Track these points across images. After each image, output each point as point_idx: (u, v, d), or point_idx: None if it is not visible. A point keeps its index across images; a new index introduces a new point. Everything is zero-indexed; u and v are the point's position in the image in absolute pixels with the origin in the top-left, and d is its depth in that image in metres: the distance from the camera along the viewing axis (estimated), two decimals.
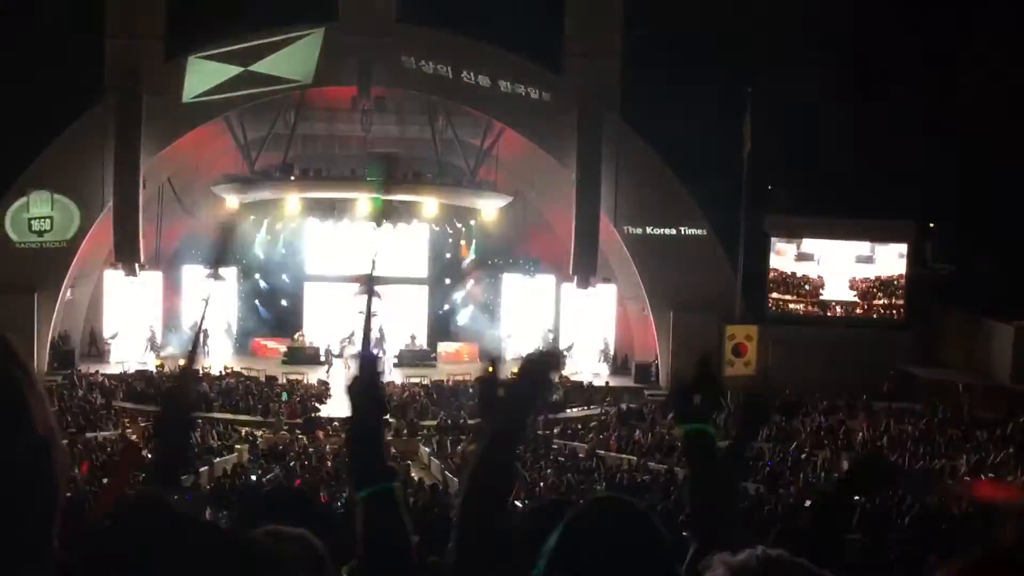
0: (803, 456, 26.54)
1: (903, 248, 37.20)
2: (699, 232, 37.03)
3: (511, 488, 2.99)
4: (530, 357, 2.92)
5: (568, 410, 33.73)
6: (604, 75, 36.64)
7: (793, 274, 37.48)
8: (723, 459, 3.25)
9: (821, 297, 37.27)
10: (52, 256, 35.90)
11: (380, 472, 2.89)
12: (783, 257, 37.43)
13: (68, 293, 36.57)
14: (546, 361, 2.92)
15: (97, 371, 35.34)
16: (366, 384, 3.00)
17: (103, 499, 5.06)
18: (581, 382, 36.45)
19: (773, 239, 37.30)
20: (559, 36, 37.42)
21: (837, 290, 37.31)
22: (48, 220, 35.98)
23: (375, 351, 3.19)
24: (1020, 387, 31.22)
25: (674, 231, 37.04)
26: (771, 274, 37.24)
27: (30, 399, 1.25)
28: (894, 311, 37.19)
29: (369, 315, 3.25)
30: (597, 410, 33.73)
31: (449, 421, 31.88)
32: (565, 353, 34.65)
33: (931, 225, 41.22)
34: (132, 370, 35.75)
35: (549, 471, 25.16)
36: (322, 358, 38.38)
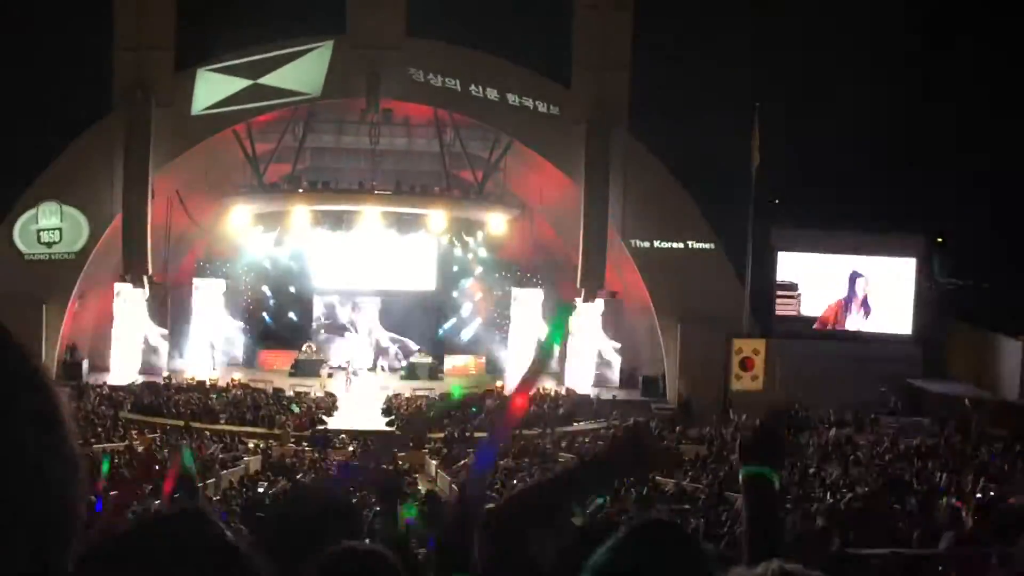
0: (811, 471, 26.40)
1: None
2: (707, 246, 37.01)
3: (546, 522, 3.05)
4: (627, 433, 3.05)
5: (575, 424, 33.71)
6: (613, 89, 36.68)
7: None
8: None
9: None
10: (61, 268, 35.96)
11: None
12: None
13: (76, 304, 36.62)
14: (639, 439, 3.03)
15: (104, 383, 35.37)
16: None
17: (111, 511, 5.05)
18: (588, 396, 36.43)
19: (779, 252, 37.26)
20: (568, 50, 37.44)
21: None
22: (57, 232, 36.06)
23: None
24: None
25: (682, 244, 37.02)
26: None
27: (64, 415, 1.24)
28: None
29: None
30: (604, 424, 33.68)
31: (456, 434, 31.85)
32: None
33: (939, 240, 41.12)
34: (139, 382, 35.85)
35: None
36: (328, 371, 38.40)
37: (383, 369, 40.56)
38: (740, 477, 3.23)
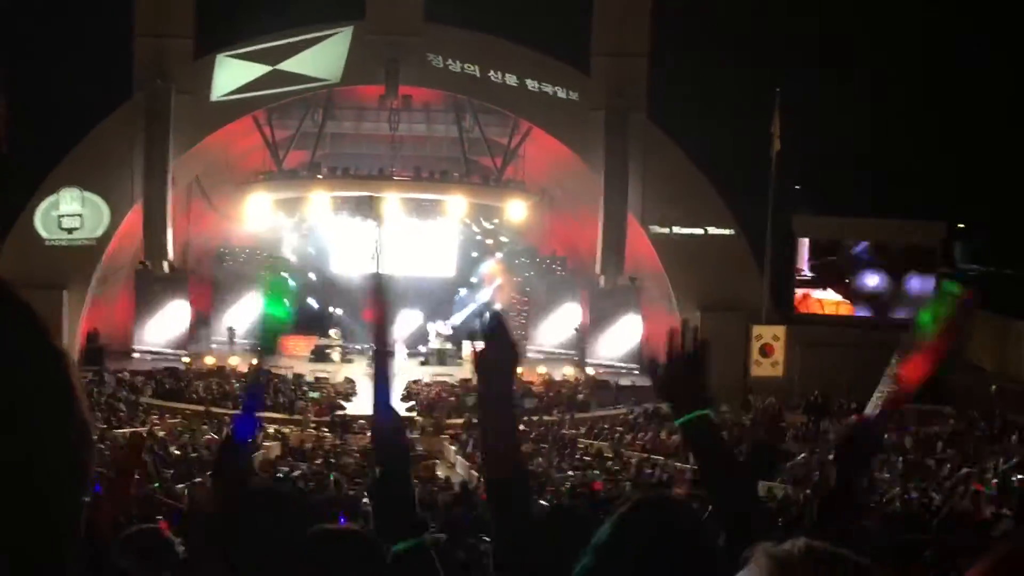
0: (831, 457, 26.32)
1: None
2: (726, 232, 36.89)
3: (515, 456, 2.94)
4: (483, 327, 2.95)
5: (594, 410, 33.73)
6: (632, 74, 36.58)
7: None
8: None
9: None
10: (81, 253, 36.10)
11: (413, 526, 2.88)
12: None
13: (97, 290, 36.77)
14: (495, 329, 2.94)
15: (125, 368, 35.51)
16: (389, 439, 2.97)
17: (109, 502, 4.98)
18: (607, 381, 36.42)
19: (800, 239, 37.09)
20: (587, 35, 37.34)
21: None
22: (77, 218, 36.19)
23: (391, 399, 3.10)
24: None
25: (701, 231, 36.92)
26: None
27: (73, 377, 1.22)
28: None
29: (384, 358, 3.13)
30: (624, 410, 33.66)
31: (475, 420, 31.80)
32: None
33: (960, 226, 40.89)
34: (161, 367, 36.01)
35: (571, 471, 25.09)
36: (339, 357, 38.35)
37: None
38: (679, 428, 3.16)
